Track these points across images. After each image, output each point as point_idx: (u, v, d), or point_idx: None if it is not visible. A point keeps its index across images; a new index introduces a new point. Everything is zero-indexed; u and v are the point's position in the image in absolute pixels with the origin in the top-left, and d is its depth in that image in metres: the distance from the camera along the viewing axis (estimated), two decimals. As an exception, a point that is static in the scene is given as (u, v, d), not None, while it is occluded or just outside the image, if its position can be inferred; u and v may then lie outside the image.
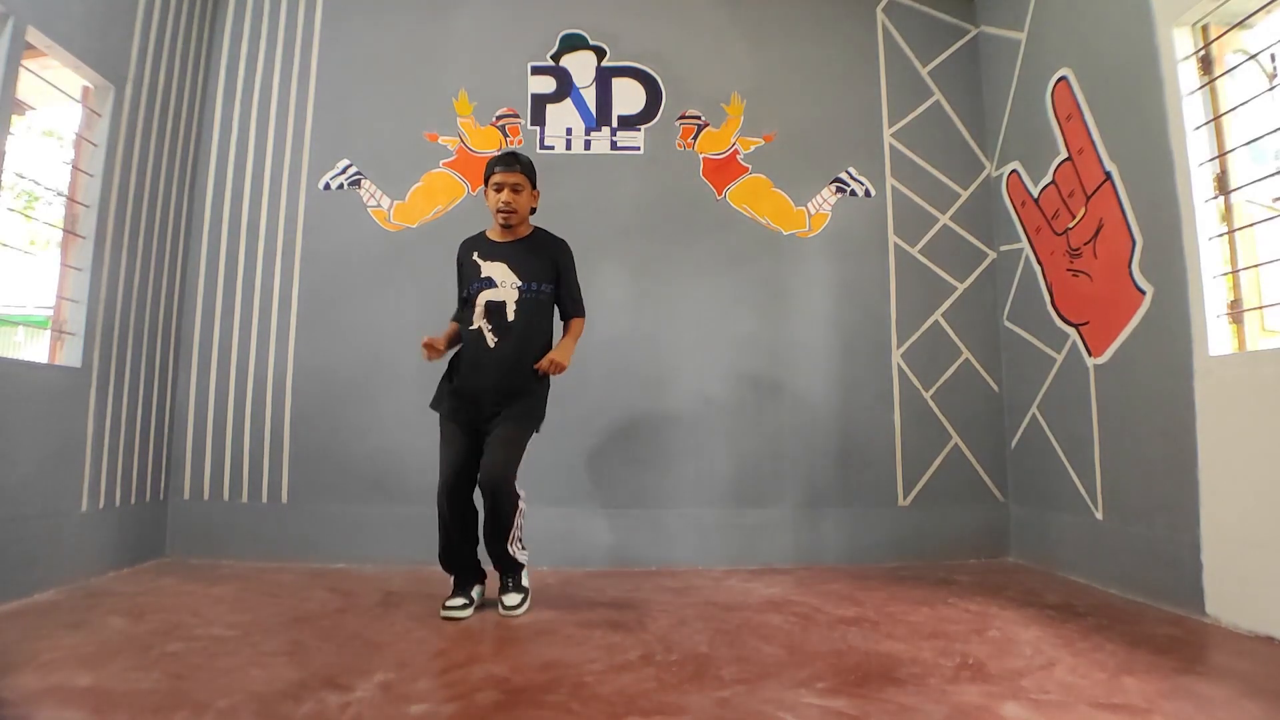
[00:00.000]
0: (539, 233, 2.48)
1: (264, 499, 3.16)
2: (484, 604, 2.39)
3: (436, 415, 3.36)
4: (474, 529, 2.37)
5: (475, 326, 2.34)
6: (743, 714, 1.47)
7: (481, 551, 2.38)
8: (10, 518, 2.29)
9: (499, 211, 2.37)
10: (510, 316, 2.33)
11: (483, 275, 2.37)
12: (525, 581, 2.38)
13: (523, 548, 2.38)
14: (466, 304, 2.41)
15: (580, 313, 2.48)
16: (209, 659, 1.77)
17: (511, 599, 2.30)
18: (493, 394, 2.31)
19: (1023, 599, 2.49)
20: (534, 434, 2.36)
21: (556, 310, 2.48)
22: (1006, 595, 2.55)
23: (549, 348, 2.40)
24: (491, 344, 2.32)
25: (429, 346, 2.30)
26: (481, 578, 2.40)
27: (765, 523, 3.22)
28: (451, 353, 2.43)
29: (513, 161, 2.36)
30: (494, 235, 2.45)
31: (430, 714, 1.45)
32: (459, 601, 2.25)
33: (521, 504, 2.33)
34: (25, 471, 2.37)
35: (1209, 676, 1.73)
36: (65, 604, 2.29)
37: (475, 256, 2.41)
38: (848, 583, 2.78)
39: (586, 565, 3.05)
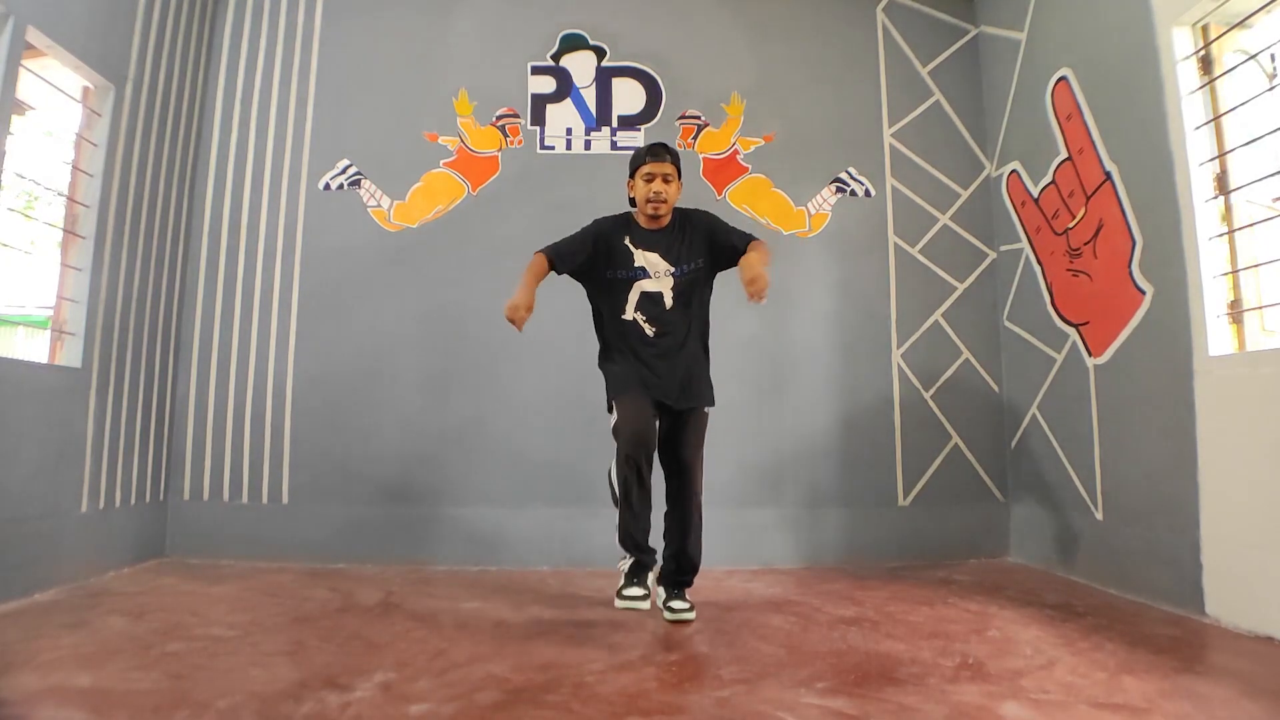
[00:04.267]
0: (678, 214, 2.41)
1: (264, 499, 3.16)
2: (486, 605, 2.38)
3: (436, 415, 3.36)
4: (650, 501, 2.26)
5: (629, 317, 2.30)
6: (743, 714, 1.47)
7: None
8: (10, 518, 2.29)
9: (649, 201, 2.30)
10: (668, 305, 2.31)
11: (636, 264, 2.32)
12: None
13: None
14: (610, 289, 2.35)
15: (752, 236, 2.36)
16: (209, 659, 1.77)
17: (679, 604, 2.23)
18: (675, 387, 2.28)
19: (1023, 599, 2.49)
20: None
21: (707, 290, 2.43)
22: (1006, 595, 2.55)
23: (705, 325, 2.40)
24: (651, 334, 2.29)
25: (516, 316, 2.14)
26: (654, 564, 2.31)
27: (765, 523, 3.21)
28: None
29: (663, 152, 2.32)
30: (642, 223, 2.37)
31: (430, 714, 1.45)
32: (639, 591, 2.12)
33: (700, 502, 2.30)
34: (25, 472, 2.37)
35: (1209, 676, 1.74)
36: (65, 604, 2.29)
37: (628, 241, 2.33)
38: (848, 583, 2.78)
39: (586, 565, 3.05)
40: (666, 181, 2.31)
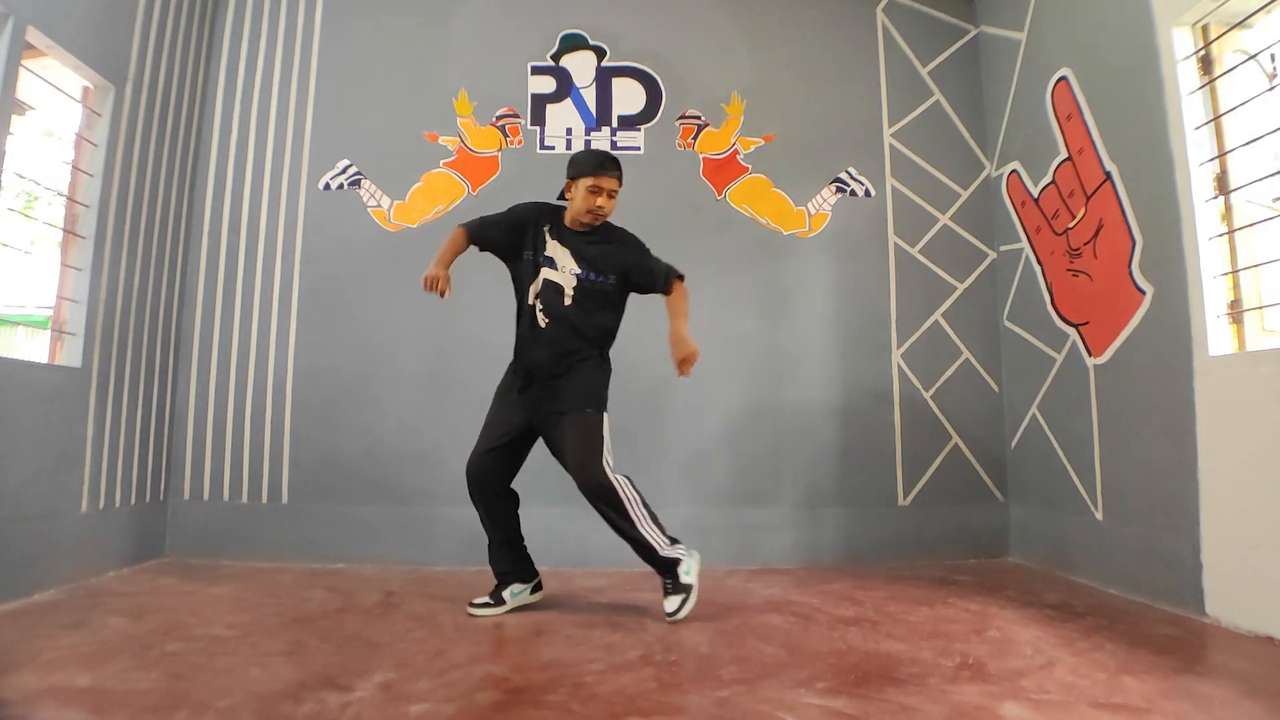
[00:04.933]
0: (606, 226, 2.42)
1: (264, 499, 3.16)
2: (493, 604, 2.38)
3: (436, 415, 3.37)
4: (506, 522, 2.38)
5: (531, 303, 2.34)
6: (742, 714, 1.47)
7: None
8: (10, 518, 2.29)
9: (589, 211, 2.31)
10: (566, 302, 2.32)
11: (547, 252, 2.35)
12: (687, 578, 2.23)
13: (662, 530, 2.28)
14: (520, 269, 2.38)
15: (674, 274, 2.39)
16: (209, 659, 1.77)
17: (670, 603, 2.20)
18: (544, 372, 2.30)
19: (1023, 599, 2.49)
20: (604, 415, 2.32)
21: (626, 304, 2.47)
22: (1006, 595, 2.55)
23: (605, 338, 2.40)
24: (543, 324, 2.32)
25: (434, 286, 2.24)
26: (526, 578, 2.39)
27: (765, 523, 3.21)
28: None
29: (614, 168, 2.32)
30: (567, 220, 2.39)
31: (430, 714, 1.45)
32: (481, 600, 2.28)
33: (626, 488, 2.26)
34: (25, 472, 2.36)
35: (1209, 676, 1.74)
36: (65, 604, 2.29)
37: (547, 230, 2.36)
38: (848, 583, 2.78)
39: (586, 565, 3.05)
40: (610, 197, 2.32)
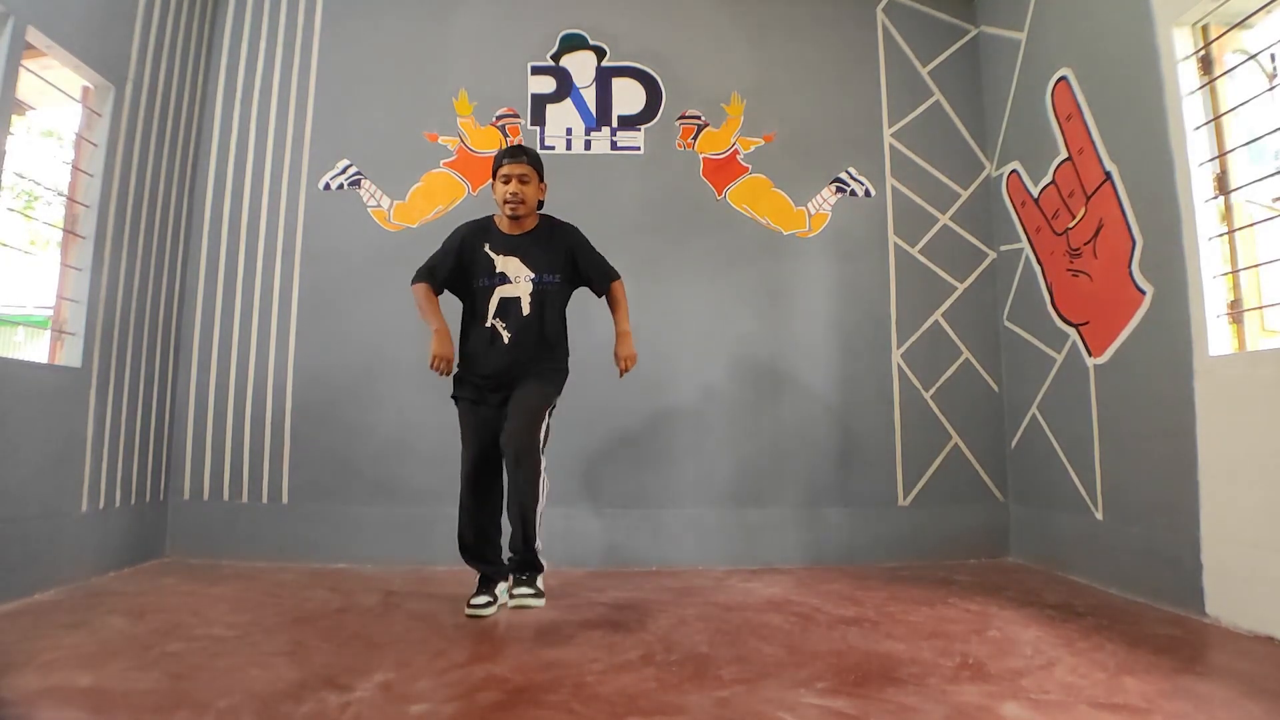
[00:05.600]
0: (545, 221, 2.48)
1: (264, 499, 3.16)
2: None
3: (436, 415, 3.36)
4: (498, 520, 2.37)
5: (489, 324, 2.34)
6: (743, 714, 1.47)
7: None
8: (10, 518, 2.29)
9: (506, 202, 2.35)
10: (525, 311, 2.34)
11: (497, 270, 2.36)
12: (541, 585, 2.29)
13: (540, 549, 2.32)
14: (473, 296, 2.39)
15: (614, 275, 2.47)
16: (209, 659, 1.77)
17: (521, 593, 2.22)
18: (508, 375, 2.32)
19: (1023, 599, 2.49)
20: (553, 406, 2.35)
21: (572, 300, 2.49)
22: (1006, 595, 2.55)
23: (561, 337, 2.42)
24: (506, 340, 2.33)
25: (448, 368, 2.31)
26: (505, 575, 2.38)
27: (765, 523, 3.21)
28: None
29: (519, 153, 2.37)
30: (503, 227, 2.43)
31: (430, 714, 1.45)
32: (483, 599, 2.25)
33: (545, 481, 2.29)
34: (25, 472, 2.36)
35: (1209, 676, 1.74)
36: (65, 604, 2.29)
37: (488, 249, 2.38)
38: (848, 583, 2.78)
39: (586, 565, 3.05)
40: (524, 182, 2.35)
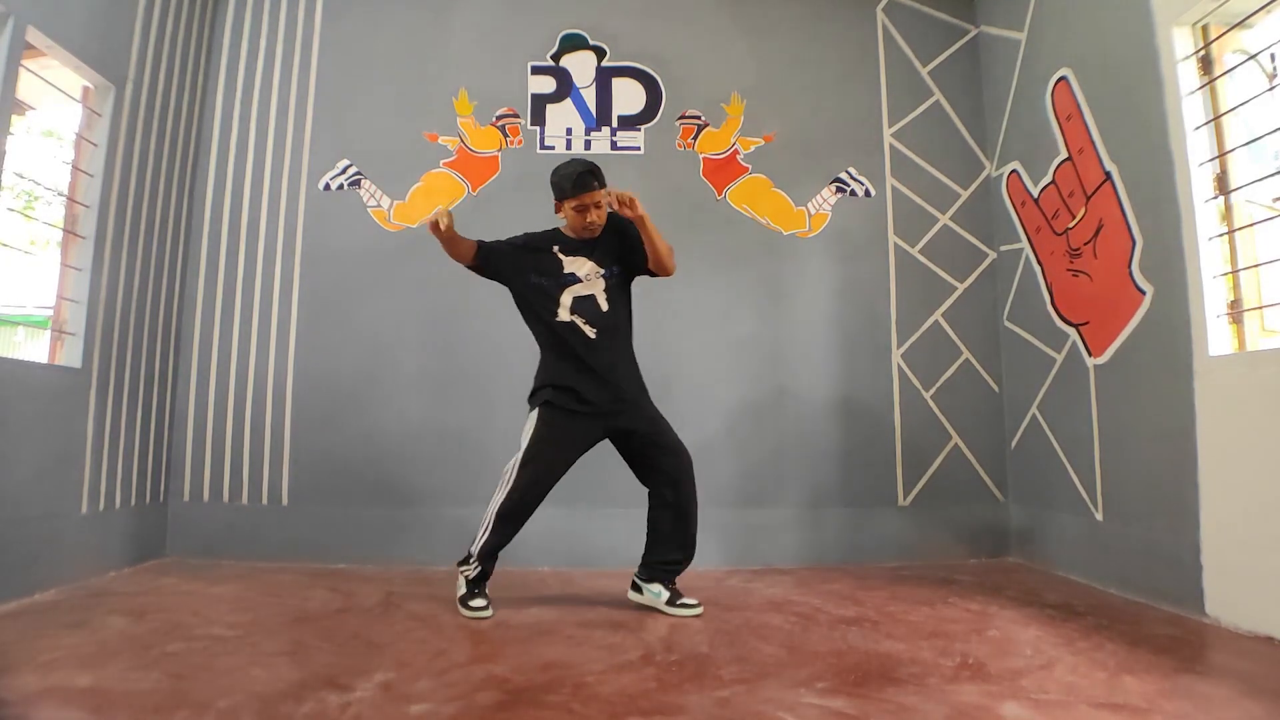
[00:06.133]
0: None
1: (264, 500, 3.16)
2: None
3: (435, 415, 3.36)
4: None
5: (567, 320, 2.33)
6: (743, 714, 1.47)
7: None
8: (11, 519, 2.29)
9: (585, 229, 2.34)
10: (604, 307, 2.35)
11: (566, 271, 2.36)
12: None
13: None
14: (544, 294, 2.36)
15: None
16: (209, 659, 1.77)
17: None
18: (614, 386, 2.34)
19: (1023, 599, 2.49)
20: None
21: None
22: (1006, 595, 2.55)
23: (631, 332, 2.45)
24: (591, 335, 2.33)
25: (440, 223, 2.22)
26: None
27: (766, 523, 3.21)
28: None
29: (591, 181, 2.27)
30: (570, 234, 2.41)
31: (430, 714, 1.45)
32: (484, 602, 2.28)
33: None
34: (25, 472, 2.36)
35: (1209, 676, 1.74)
36: (65, 604, 2.29)
37: (556, 249, 2.37)
38: (848, 583, 2.78)
39: (586, 565, 3.05)
40: (599, 207, 2.31)
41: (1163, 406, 2.41)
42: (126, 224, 2.86)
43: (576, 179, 2.27)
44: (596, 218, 2.31)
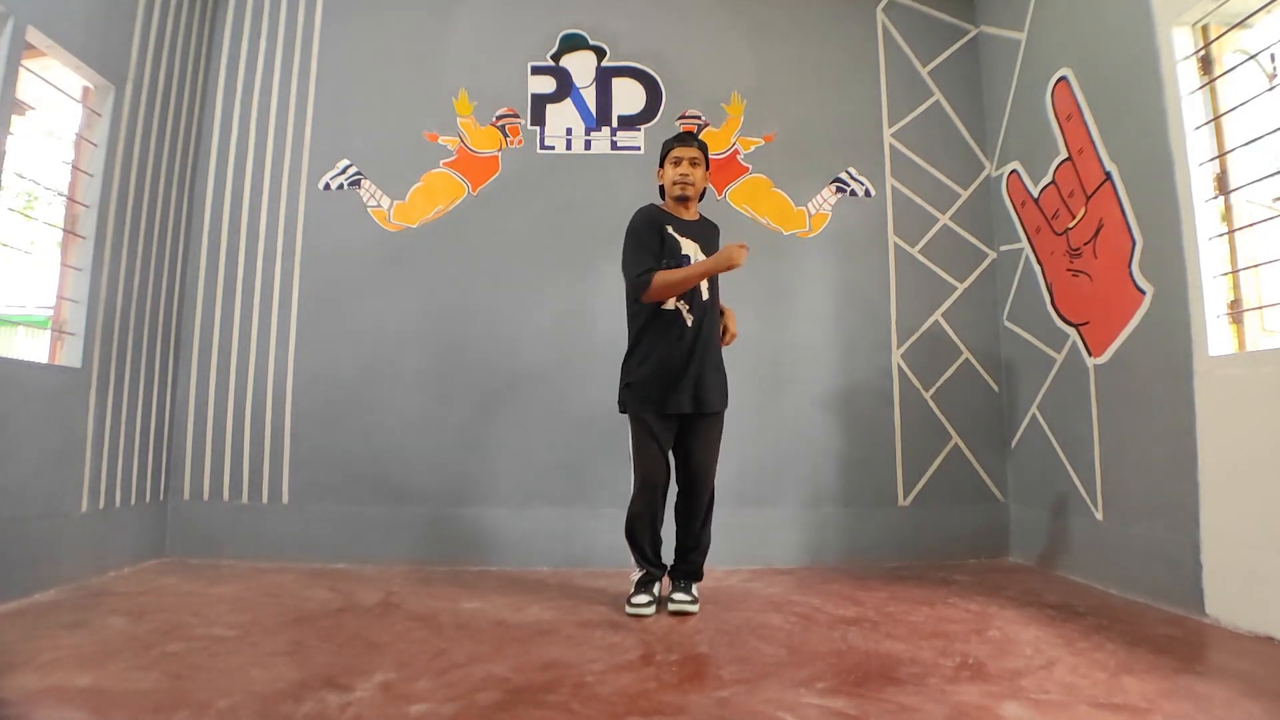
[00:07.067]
0: (703, 216, 2.55)
1: (264, 499, 3.16)
2: (486, 605, 2.39)
3: (435, 415, 3.36)
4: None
5: (673, 307, 2.35)
6: (743, 714, 1.47)
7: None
8: (11, 518, 2.29)
9: (676, 183, 2.41)
10: (705, 295, 2.39)
11: (683, 253, 2.38)
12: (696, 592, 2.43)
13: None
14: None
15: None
16: (209, 659, 1.77)
17: (684, 597, 2.35)
18: (690, 366, 2.34)
19: (1023, 599, 2.49)
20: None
21: None
22: (1006, 595, 2.55)
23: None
24: (690, 322, 2.35)
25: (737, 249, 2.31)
26: (662, 575, 2.45)
27: (766, 523, 3.21)
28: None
29: (690, 139, 2.45)
30: (674, 212, 2.46)
31: (430, 714, 1.45)
32: (647, 599, 2.30)
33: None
34: (25, 472, 2.37)
35: (1209, 676, 1.73)
36: (65, 604, 2.29)
37: (672, 230, 2.40)
38: (848, 583, 2.78)
39: (586, 565, 3.05)
40: (694, 165, 2.42)
41: (1163, 406, 2.41)
42: (126, 224, 2.86)
43: (679, 134, 2.49)
44: (688, 170, 2.41)
